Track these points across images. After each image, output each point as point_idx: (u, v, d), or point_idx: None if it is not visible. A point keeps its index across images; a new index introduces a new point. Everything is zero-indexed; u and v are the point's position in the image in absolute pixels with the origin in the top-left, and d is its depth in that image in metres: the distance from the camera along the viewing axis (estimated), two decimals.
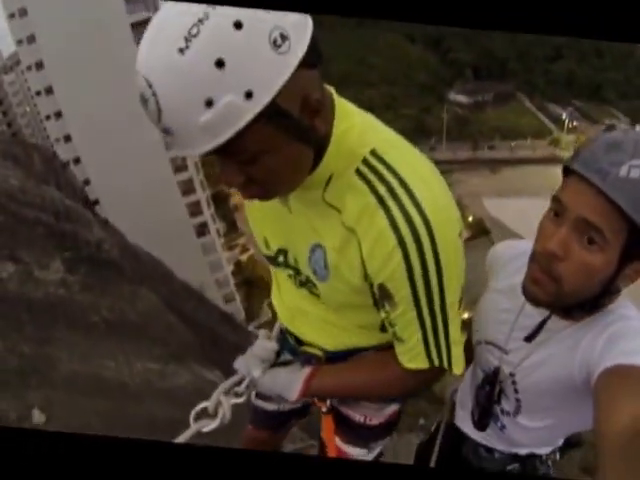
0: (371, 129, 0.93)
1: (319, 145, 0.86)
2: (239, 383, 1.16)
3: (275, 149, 0.78)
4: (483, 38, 79.11)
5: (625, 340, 0.90)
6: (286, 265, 1.11)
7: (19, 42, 30.29)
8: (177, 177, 32.39)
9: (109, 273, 4.68)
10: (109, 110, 27.33)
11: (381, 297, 0.96)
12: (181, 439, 1.03)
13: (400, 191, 0.86)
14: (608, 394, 0.82)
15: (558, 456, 1.28)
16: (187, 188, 33.23)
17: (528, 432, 1.17)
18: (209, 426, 1.08)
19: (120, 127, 27.30)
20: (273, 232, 1.10)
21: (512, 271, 1.17)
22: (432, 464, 1.40)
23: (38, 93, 32.23)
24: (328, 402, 1.30)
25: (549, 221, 0.95)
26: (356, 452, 1.33)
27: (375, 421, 1.29)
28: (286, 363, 1.21)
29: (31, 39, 29.18)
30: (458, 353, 1.03)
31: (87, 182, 26.30)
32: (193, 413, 1.09)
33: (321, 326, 1.15)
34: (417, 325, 0.96)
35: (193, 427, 1.07)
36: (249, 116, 0.72)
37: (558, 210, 0.93)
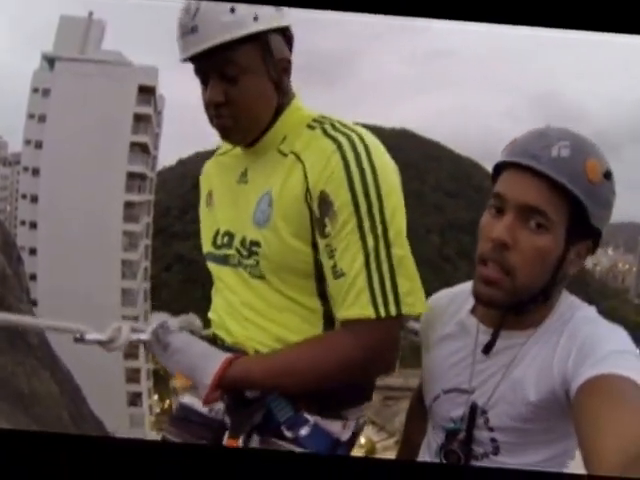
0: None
1: (279, 102, 1.07)
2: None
3: (255, 74, 1.02)
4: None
5: (598, 347, 0.89)
6: (230, 246, 1.12)
7: (27, 142, 31.24)
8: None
9: (19, 342, 4.25)
10: (82, 232, 27.33)
11: (321, 213, 0.99)
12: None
13: (347, 129, 1.03)
14: (589, 414, 0.80)
15: None
16: (129, 352, 29.24)
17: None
18: (93, 336, 1.13)
19: (88, 253, 27.07)
20: (224, 217, 1.17)
21: (453, 312, 1.15)
22: None
23: (24, 196, 32.17)
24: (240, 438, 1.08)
25: (491, 218, 0.98)
26: None
27: None
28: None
29: (38, 144, 30.20)
30: (411, 289, 1.02)
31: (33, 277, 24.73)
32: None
33: (254, 321, 1.10)
34: (359, 245, 0.97)
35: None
36: (252, 29, 0.99)
37: (499, 204, 0.97)
